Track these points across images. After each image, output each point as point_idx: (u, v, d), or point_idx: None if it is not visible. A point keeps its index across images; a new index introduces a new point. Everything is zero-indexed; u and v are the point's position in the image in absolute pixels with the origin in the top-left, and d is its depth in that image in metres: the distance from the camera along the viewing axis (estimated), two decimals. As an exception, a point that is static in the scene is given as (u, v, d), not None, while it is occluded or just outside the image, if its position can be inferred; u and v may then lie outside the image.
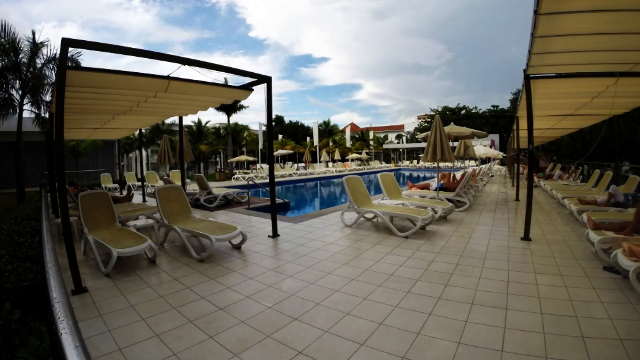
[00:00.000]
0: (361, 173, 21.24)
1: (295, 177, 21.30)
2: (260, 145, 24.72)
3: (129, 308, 2.95)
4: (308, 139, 38.11)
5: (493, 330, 2.46)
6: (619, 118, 8.54)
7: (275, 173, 11.68)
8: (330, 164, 29.47)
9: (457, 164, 22.07)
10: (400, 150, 45.29)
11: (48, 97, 11.31)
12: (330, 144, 37.66)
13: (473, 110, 44.55)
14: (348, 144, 35.20)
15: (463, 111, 44.42)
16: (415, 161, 36.83)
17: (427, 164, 27.09)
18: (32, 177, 15.61)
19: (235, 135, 28.30)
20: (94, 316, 2.79)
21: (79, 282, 3.27)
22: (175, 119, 8.83)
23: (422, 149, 25.80)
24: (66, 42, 3.06)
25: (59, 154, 3.34)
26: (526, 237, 4.95)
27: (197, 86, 4.89)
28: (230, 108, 24.89)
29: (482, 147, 22.46)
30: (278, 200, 9.02)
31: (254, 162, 24.90)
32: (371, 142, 40.06)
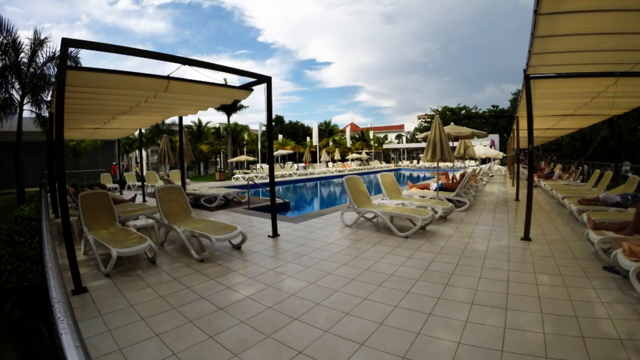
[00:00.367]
0: (361, 173, 21.24)
1: (295, 177, 21.30)
2: (260, 146, 24.71)
3: (129, 308, 2.95)
4: (308, 139, 38.11)
5: (493, 330, 2.46)
6: (619, 118, 8.55)
7: (275, 173, 11.68)
8: (330, 164, 29.47)
9: (457, 164, 22.06)
10: (401, 150, 45.28)
11: (48, 97, 11.32)
12: (330, 144, 37.67)
13: (473, 110, 44.56)
14: (348, 144, 35.22)
15: (463, 111, 44.42)
16: (415, 161, 36.87)
17: (427, 164, 27.11)
18: (32, 177, 15.58)
19: (235, 135, 28.31)
20: (94, 316, 2.79)
21: (79, 282, 3.27)
22: (175, 119, 8.83)
23: (422, 149, 25.80)
24: (66, 42, 3.07)
25: (59, 154, 3.34)
26: (526, 237, 4.95)
27: (197, 86, 4.89)
28: (230, 108, 24.89)
29: (482, 147, 22.48)
30: (278, 200, 9.02)
31: (254, 162, 24.90)
32: (371, 142, 40.07)
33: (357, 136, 43.48)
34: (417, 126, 49.35)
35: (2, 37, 10.45)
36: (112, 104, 5.44)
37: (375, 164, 34.31)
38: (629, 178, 7.14)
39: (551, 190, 9.30)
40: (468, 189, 8.71)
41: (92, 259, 4.21)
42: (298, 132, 44.04)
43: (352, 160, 31.62)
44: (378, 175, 7.45)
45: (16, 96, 11.16)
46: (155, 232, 5.21)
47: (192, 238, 4.96)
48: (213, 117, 53.67)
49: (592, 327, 2.45)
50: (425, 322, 2.60)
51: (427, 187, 8.94)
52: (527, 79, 4.88)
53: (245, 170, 24.31)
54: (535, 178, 12.36)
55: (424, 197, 7.65)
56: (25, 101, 11.32)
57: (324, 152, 29.38)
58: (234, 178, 20.39)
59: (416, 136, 44.32)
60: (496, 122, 41.77)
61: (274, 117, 22.14)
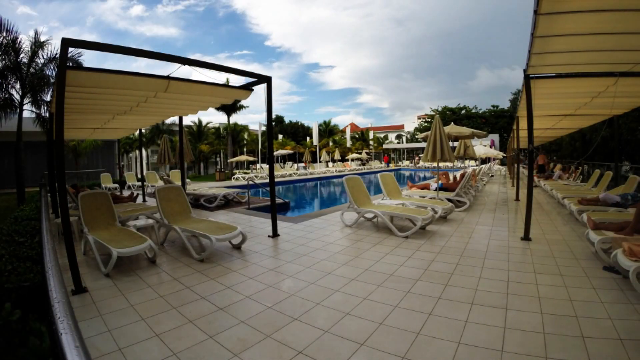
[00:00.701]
0: (361, 173, 21.24)
1: (295, 177, 21.30)
2: (260, 145, 24.72)
3: (129, 308, 2.95)
4: (308, 139, 38.12)
5: (493, 330, 2.46)
6: (619, 118, 8.54)
7: (275, 173, 11.68)
8: (330, 164, 29.48)
9: (457, 164, 22.06)
10: (401, 150, 45.29)
11: (48, 97, 11.32)
12: (330, 144, 37.68)
13: (473, 110, 44.56)
14: (348, 144, 35.22)
15: (463, 111, 44.43)
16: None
17: (427, 164, 27.11)
18: (32, 177, 15.59)
19: (235, 135, 28.31)
20: (94, 316, 2.79)
21: (79, 282, 3.27)
22: (175, 119, 8.82)
23: (422, 148, 25.79)
24: (66, 42, 3.06)
25: (59, 154, 3.34)
26: (526, 237, 4.95)
27: (197, 86, 4.89)
28: (231, 108, 24.90)
29: (482, 147, 22.46)
30: (278, 200, 9.02)
31: (254, 162, 24.91)
32: (371, 142, 40.07)
33: (357, 136, 43.49)
34: (417, 126, 49.36)
35: (2, 37, 10.45)
36: (112, 104, 5.44)
37: (375, 164, 34.32)
38: (629, 178, 7.13)
39: (551, 190, 9.30)
40: (468, 189, 8.71)
41: (92, 259, 4.21)
42: (298, 132, 44.07)
43: (352, 160, 31.64)
44: (378, 175, 7.46)
45: (16, 96, 11.17)
46: (155, 232, 5.21)
47: (192, 238, 4.96)
48: (213, 117, 53.71)
49: (592, 327, 2.45)
50: (425, 322, 2.60)
51: (427, 187, 8.94)
52: (527, 79, 4.88)
53: (245, 170, 24.32)
54: (535, 178, 12.36)
55: (424, 197, 7.65)
56: (25, 101, 11.32)
57: (324, 152, 29.40)
58: (234, 178, 20.40)
59: (416, 136, 44.35)
60: (496, 122, 41.78)
61: (274, 117, 22.14)
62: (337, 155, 31.20)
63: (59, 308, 1.18)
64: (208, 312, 2.85)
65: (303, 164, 27.59)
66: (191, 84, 4.80)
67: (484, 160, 26.30)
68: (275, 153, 25.61)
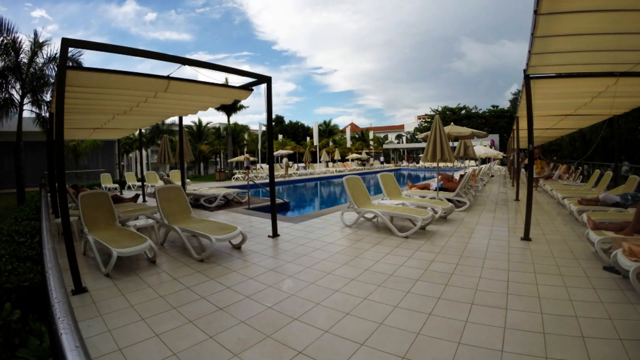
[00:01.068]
0: (361, 173, 21.24)
1: (295, 177, 21.31)
2: (260, 146, 24.72)
3: (129, 308, 2.95)
4: (308, 139, 38.12)
5: (493, 330, 2.46)
6: (619, 118, 8.53)
7: (275, 173, 11.67)
8: (330, 164, 29.49)
9: (457, 164, 22.07)
10: (401, 150, 45.30)
11: (48, 97, 11.32)
12: (330, 144, 37.68)
13: (473, 110, 44.57)
14: (348, 144, 35.23)
15: (463, 111, 44.45)
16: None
17: (427, 164, 27.11)
18: (32, 177, 15.58)
19: (235, 136, 28.32)
20: (94, 316, 2.79)
21: (79, 282, 3.27)
22: (175, 119, 8.82)
23: (422, 149, 25.81)
24: (66, 42, 3.06)
25: (59, 154, 3.34)
26: (526, 237, 4.95)
27: (197, 86, 4.89)
28: (231, 108, 24.90)
29: (482, 147, 22.45)
30: (278, 201, 9.02)
31: (254, 162, 24.91)
32: (371, 142, 40.08)
33: (357, 136, 43.51)
34: (417, 126, 49.37)
35: (2, 38, 10.45)
36: (112, 104, 5.44)
37: (376, 164, 34.32)
38: (629, 178, 7.13)
39: (551, 190, 9.30)
40: (468, 189, 8.70)
41: (92, 259, 4.21)
42: (298, 132, 44.13)
43: (352, 160, 31.65)
44: (378, 175, 7.46)
45: (16, 96, 11.17)
46: (155, 232, 5.21)
47: (192, 238, 4.96)
48: (213, 117, 53.81)
49: (592, 327, 2.45)
50: (425, 322, 2.60)
51: (427, 187, 8.94)
52: (527, 79, 4.88)
53: (245, 170, 24.34)
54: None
55: (424, 197, 7.64)
56: (25, 101, 11.32)
57: (324, 152, 29.40)
58: (233, 178, 20.41)
59: (416, 136, 44.33)
60: (496, 122, 41.80)
61: (274, 117, 22.14)
62: (337, 156, 31.21)
63: (59, 308, 1.18)
64: (208, 312, 2.85)
65: (303, 164, 27.60)
66: (191, 84, 4.80)
67: (484, 161, 26.30)
68: (275, 153, 25.61)
